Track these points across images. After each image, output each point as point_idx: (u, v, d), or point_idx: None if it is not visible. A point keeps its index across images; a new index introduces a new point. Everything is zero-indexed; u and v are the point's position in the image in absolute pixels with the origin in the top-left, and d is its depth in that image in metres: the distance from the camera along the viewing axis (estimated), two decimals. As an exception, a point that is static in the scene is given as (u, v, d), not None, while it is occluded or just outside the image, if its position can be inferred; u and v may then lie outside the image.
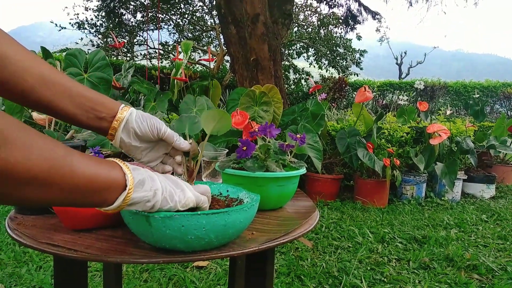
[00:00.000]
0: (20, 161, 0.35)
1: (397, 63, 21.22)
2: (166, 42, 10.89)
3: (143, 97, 2.48)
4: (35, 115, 1.05)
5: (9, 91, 0.53)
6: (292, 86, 11.08)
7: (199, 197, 0.58)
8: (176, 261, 0.57)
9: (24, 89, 0.54)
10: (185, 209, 0.56)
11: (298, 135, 0.98)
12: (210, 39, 11.24)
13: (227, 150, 1.10)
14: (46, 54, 1.98)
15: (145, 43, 10.43)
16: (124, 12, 9.78)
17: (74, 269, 0.68)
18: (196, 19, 10.55)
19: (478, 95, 6.38)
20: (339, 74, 10.94)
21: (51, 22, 10.15)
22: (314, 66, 11.56)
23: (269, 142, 0.96)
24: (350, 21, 9.95)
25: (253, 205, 0.63)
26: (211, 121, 0.65)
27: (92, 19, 10.01)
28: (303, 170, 0.95)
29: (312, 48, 11.13)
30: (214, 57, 9.09)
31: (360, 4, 9.68)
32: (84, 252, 0.55)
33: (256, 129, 1.01)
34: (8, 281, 1.54)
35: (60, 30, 10.25)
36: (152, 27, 10.05)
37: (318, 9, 10.77)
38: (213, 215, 0.56)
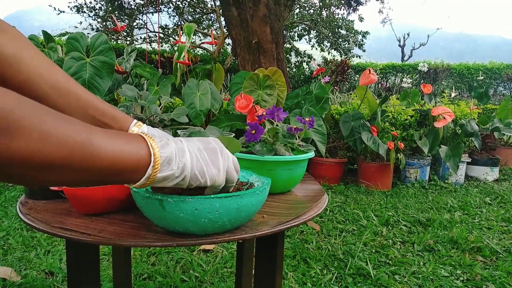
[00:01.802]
0: (38, 149, 0.35)
1: (399, 45, 20.96)
2: (166, 25, 10.76)
3: (146, 81, 2.46)
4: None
5: None
6: (294, 70, 10.98)
7: (232, 176, 0.54)
8: (189, 244, 0.57)
9: (38, 95, 0.54)
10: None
11: (306, 119, 0.97)
12: (210, 21, 11.09)
13: (234, 134, 1.09)
14: (47, 38, 1.95)
15: (145, 26, 10.30)
16: (123, -6, 9.64)
17: (86, 253, 0.68)
18: (196, 1, 10.39)
19: (482, 77, 6.31)
20: (341, 56, 10.82)
21: (49, 6, 10.02)
22: (316, 49, 11.43)
23: (277, 125, 0.96)
24: (352, 2, 9.78)
25: (265, 189, 0.62)
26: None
27: (91, 2, 9.87)
28: (311, 154, 0.95)
29: (314, 30, 10.98)
30: (216, 40, 8.98)
31: (363, -15, 9.51)
32: (97, 236, 0.55)
33: (264, 113, 1.00)
34: (18, 265, 1.56)
35: (59, 14, 10.12)
36: (151, 10, 9.91)
37: (320, -10, 10.59)
38: (226, 198, 0.55)
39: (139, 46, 10.44)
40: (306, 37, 11.46)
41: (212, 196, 0.54)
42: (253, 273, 0.95)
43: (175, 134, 1.01)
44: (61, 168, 0.37)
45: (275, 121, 0.97)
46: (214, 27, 10.89)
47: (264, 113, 1.00)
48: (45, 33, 1.98)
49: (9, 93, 0.34)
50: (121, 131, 0.47)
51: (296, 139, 0.96)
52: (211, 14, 10.69)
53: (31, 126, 0.34)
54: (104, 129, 0.43)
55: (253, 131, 0.87)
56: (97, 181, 0.42)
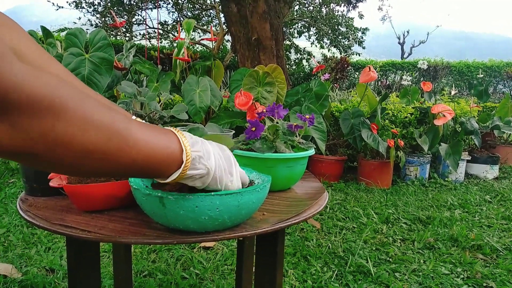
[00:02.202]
0: (79, 132, 0.34)
1: (399, 43, 20.93)
2: (165, 21, 10.71)
3: (145, 78, 2.45)
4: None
5: None
6: (294, 67, 10.96)
7: (240, 186, 0.57)
8: (189, 241, 0.57)
9: None
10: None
11: (307, 116, 0.97)
12: (210, 18, 11.05)
13: (234, 132, 1.08)
14: (46, 33, 1.94)
15: (144, 22, 10.26)
16: (122, -10, 9.59)
17: (86, 250, 0.68)
18: (195, -3, 10.35)
19: (482, 75, 6.31)
20: (341, 53, 10.80)
21: (48, 1, 9.96)
22: (316, 46, 11.40)
23: (277, 123, 0.95)
24: (352, -1, 9.75)
25: (265, 186, 0.62)
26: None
27: (90, -2, 9.82)
28: (312, 151, 0.94)
29: (313, 27, 10.95)
30: (215, 37, 8.96)
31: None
32: (97, 233, 0.55)
33: (264, 110, 0.99)
34: (19, 262, 1.56)
35: (57, 9, 10.07)
36: (151, 6, 9.87)
37: (320, -13, 10.55)
38: (227, 195, 0.55)
39: (138, 42, 10.41)
40: (306, 34, 11.43)
41: (212, 193, 0.54)
42: (253, 270, 0.95)
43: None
44: (97, 155, 0.37)
45: (275, 118, 0.96)
46: (214, 23, 10.86)
47: (264, 110, 0.99)
48: (43, 28, 1.97)
49: (51, 75, 0.33)
50: (155, 125, 0.47)
51: (296, 136, 0.96)
52: (211, 11, 10.65)
53: (75, 107, 0.34)
54: (141, 122, 0.43)
55: (253, 129, 0.86)
56: (129, 173, 0.42)
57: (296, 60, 11.17)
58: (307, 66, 10.87)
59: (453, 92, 4.16)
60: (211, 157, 0.49)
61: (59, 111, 0.32)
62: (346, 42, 11.02)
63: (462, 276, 1.58)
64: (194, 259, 1.63)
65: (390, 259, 1.71)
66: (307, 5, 10.95)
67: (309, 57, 10.89)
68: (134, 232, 0.56)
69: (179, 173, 0.46)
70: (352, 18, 11.07)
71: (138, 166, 0.41)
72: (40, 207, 0.64)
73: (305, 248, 1.77)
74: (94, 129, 0.35)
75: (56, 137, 0.33)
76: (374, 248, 1.82)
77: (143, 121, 0.67)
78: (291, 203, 0.78)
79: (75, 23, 9.82)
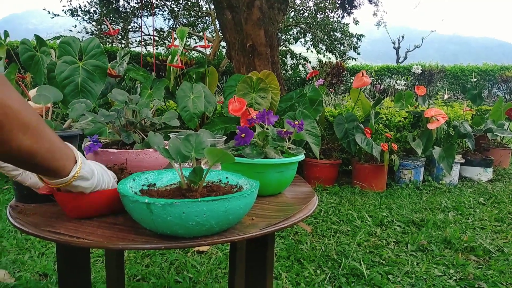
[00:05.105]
0: (20, 109, 0.43)
1: (394, 48, 21.07)
2: (161, 28, 10.76)
3: (139, 84, 2.46)
4: (31, 103, 1.04)
5: None
6: (290, 72, 11.01)
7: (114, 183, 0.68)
8: (177, 246, 0.58)
9: None
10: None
11: (296, 122, 0.98)
12: (205, 25, 11.11)
13: (225, 137, 1.10)
14: (40, 42, 1.95)
15: (140, 29, 10.30)
16: (118, -3, 9.62)
17: (76, 256, 0.69)
18: (191, 4, 10.40)
19: (476, 79, 6.36)
20: (336, 59, 10.87)
21: (43, 9, 9.99)
22: (312, 51, 11.47)
23: (267, 129, 0.97)
24: (347, 5, 9.82)
25: (252, 192, 0.63)
26: (215, 157, 0.65)
27: (85, 6, 9.85)
28: (301, 157, 0.96)
29: (309, 33, 11.02)
30: (210, 43, 9.00)
31: (357, -12, 9.56)
32: (86, 239, 0.56)
33: (254, 116, 1.00)
34: (12, 268, 1.56)
35: (53, 17, 10.11)
36: (146, 13, 9.91)
37: (315, -7, 10.63)
38: (214, 201, 0.56)
39: (134, 49, 10.44)
40: (302, 40, 11.50)
41: (199, 199, 0.55)
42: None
43: (167, 138, 1.02)
44: (34, 133, 0.46)
45: (265, 124, 0.98)
46: (209, 30, 10.91)
47: (255, 116, 1.01)
48: (37, 37, 1.98)
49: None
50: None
51: (286, 142, 0.97)
52: (206, 17, 10.71)
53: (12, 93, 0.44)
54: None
55: (243, 135, 0.88)
56: (47, 159, 0.50)
57: (292, 66, 11.23)
58: (303, 71, 10.92)
59: (446, 96, 4.19)
60: (90, 164, 0.61)
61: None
62: (342, 48, 11.09)
63: (454, 277, 1.60)
64: (188, 263, 1.64)
65: (384, 262, 1.72)
66: (302, 11, 11.03)
67: (304, 62, 10.95)
68: (123, 238, 0.57)
69: (77, 169, 0.56)
70: (347, 24, 11.16)
71: (56, 150, 0.51)
72: (29, 214, 0.65)
73: (299, 251, 1.78)
74: (29, 111, 0.46)
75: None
76: (367, 251, 1.83)
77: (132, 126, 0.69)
78: (281, 207, 0.80)
79: (70, 31, 9.85)
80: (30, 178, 0.65)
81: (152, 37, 10.17)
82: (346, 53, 11.23)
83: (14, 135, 0.43)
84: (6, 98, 0.42)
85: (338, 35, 11.04)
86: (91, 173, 0.60)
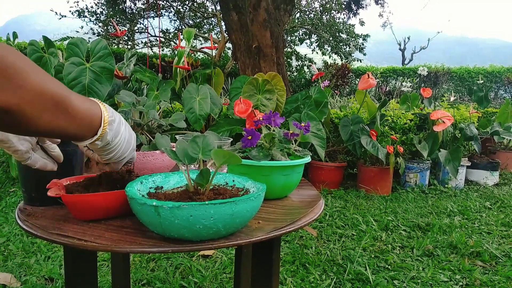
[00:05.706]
0: (40, 84, 0.45)
1: (400, 49, 20.99)
2: (167, 29, 10.80)
3: (145, 86, 2.47)
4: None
5: None
6: (295, 73, 11.00)
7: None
8: (184, 250, 0.58)
9: None
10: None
11: (302, 124, 0.98)
12: (211, 26, 11.13)
13: (231, 139, 1.10)
14: (48, 43, 1.97)
15: (146, 30, 10.34)
16: (124, -1, 9.68)
17: (84, 259, 0.69)
18: (197, 5, 10.43)
19: (482, 81, 6.31)
20: (342, 60, 10.84)
21: (51, 10, 10.06)
22: (317, 53, 11.45)
23: (273, 131, 0.96)
24: (353, 6, 9.81)
25: (259, 195, 0.63)
26: (222, 158, 0.65)
27: (92, 7, 9.91)
28: (308, 159, 0.95)
29: (314, 34, 11.01)
30: (216, 45, 9.02)
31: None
32: (94, 242, 0.56)
33: (260, 118, 1.00)
34: (18, 271, 1.56)
35: (60, 18, 10.17)
36: (152, 14, 9.95)
37: (321, -6, 10.62)
38: (221, 204, 0.56)
39: (140, 50, 10.48)
40: (307, 41, 11.49)
41: (206, 202, 0.55)
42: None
43: (173, 140, 1.02)
44: (56, 110, 0.47)
45: (271, 126, 0.97)
46: (215, 31, 10.93)
47: (261, 118, 1.01)
48: (45, 38, 2.00)
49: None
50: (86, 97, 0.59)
51: (292, 144, 0.97)
52: (212, 19, 10.74)
53: (31, 68, 0.44)
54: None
55: (250, 137, 0.88)
56: (74, 129, 0.52)
57: (298, 67, 11.21)
58: (308, 73, 10.91)
59: (452, 98, 4.17)
60: (121, 122, 0.62)
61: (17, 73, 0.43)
62: (347, 49, 11.06)
63: (461, 283, 1.58)
64: (193, 268, 1.64)
65: (389, 267, 1.71)
66: (308, 12, 11.03)
67: (310, 64, 10.94)
68: (130, 241, 0.57)
69: (102, 128, 0.57)
70: (353, 25, 11.13)
71: (81, 119, 0.52)
72: (38, 217, 0.65)
73: (304, 256, 1.77)
74: (52, 85, 0.47)
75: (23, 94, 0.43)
76: (373, 256, 1.82)
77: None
78: (287, 211, 0.79)
79: (77, 32, 9.91)
80: (38, 160, 0.65)
81: (158, 38, 10.21)
82: (352, 55, 11.20)
83: (41, 116, 0.45)
84: (39, 81, 0.44)
85: (344, 36, 11.02)
86: (118, 119, 0.61)
